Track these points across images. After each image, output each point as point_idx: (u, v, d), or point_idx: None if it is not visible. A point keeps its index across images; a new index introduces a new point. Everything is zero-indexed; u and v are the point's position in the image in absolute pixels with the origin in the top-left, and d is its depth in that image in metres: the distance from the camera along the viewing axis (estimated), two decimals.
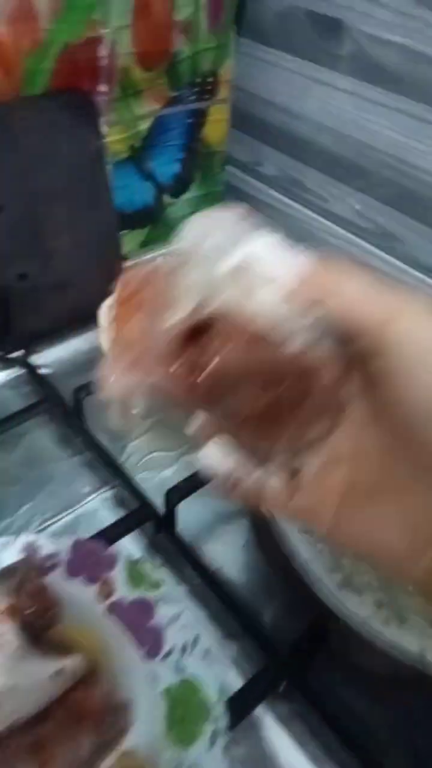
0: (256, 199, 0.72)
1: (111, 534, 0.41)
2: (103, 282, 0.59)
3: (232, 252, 0.18)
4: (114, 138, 0.58)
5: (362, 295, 0.16)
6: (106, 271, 0.62)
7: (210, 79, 0.61)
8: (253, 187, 0.72)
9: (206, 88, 0.62)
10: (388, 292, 0.16)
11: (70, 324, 0.62)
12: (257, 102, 0.64)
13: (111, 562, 0.34)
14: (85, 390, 0.51)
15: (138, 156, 0.61)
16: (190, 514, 0.45)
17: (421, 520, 0.16)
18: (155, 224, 0.69)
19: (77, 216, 0.58)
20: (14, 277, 0.57)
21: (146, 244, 0.70)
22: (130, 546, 0.43)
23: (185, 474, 0.49)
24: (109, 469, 0.48)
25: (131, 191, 0.64)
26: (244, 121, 0.68)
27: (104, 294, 0.55)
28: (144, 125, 0.60)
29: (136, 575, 0.34)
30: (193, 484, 0.43)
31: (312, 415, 0.18)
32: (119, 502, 0.48)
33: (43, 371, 0.59)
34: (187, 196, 0.69)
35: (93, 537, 0.39)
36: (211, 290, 0.18)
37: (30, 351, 0.60)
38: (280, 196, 0.70)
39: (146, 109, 0.58)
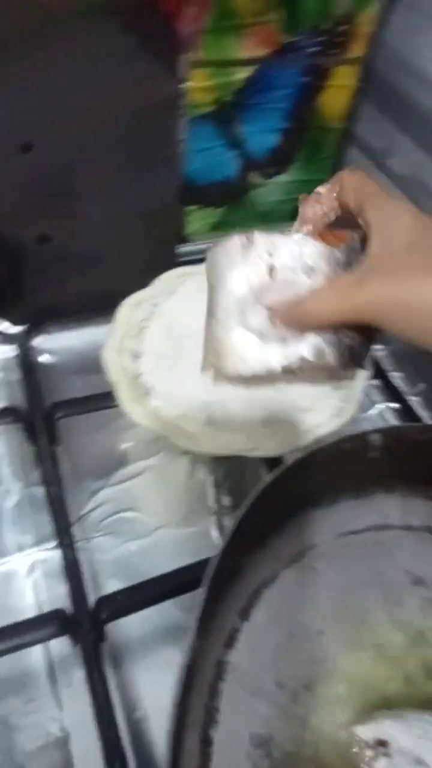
0: None
1: (10, 634, 0.30)
2: (145, 265, 0.48)
3: None
4: (197, 84, 0.45)
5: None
6: (152, 252, 0.52)
7: (343, 28, 0.45)
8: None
9: (335, 39, 0.46)
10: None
11: (91, 308, 0.51)
12: (404, 71, 0.48)
13: None
14: (62, 408, 0.40)
15: (226, 114, 0.48)
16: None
17: None
18: (234, 205, 0.55)
19: (128, 176, 0.46)
20: (33, 238, 0.46)
21: (218, 228, 0.57)
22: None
23: (151, 557, 0.38)
24: (58, 521, 0.37)
25: (209, 158, 0.50)
26: (381, 93, 0.51)
27: (142, 281, 0.44)
28: (240, 74, 0.45)
29: None
30: (138, 597, 0.32)
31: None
32: (49, 574, 0.37)
33: (43, 358, 0.49)
34: (283, 178, 0.55)
35: None
36: None
37: (36, 329, 0.50)
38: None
39: (247, 53, 0.44)
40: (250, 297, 0.26)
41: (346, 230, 0.27)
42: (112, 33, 0.39)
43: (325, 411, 0.39)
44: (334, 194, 0.29)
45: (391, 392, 0.52)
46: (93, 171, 0.45)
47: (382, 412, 0.52)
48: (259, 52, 0.44)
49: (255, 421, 0.38)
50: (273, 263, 0.25)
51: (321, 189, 0.29)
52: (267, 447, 0.37)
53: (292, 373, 0.27)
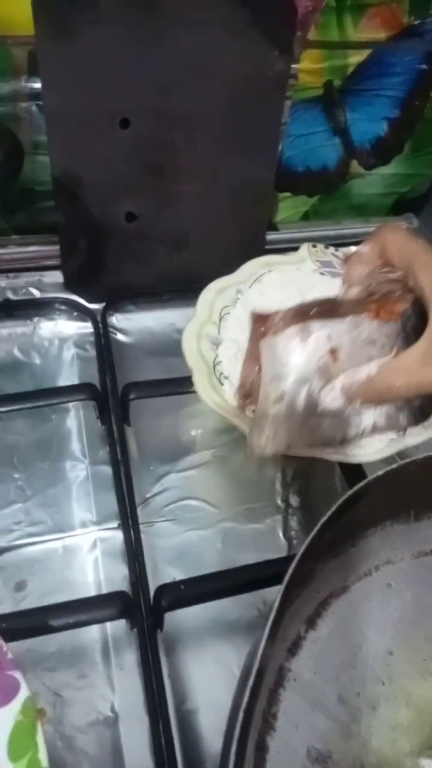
0: None
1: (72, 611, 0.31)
2: (232, 250, 0.48)
3: None
4: (307, 66, 0.44)
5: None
6: (240, 237, 0.51)
7: None
8: None
9: None
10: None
11: (172, 289, 0.51)
12: None
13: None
14: (137, 390, 0.40)
15: (333, 99, 0.46)
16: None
17: None
18: (329, 195, 0.54)
19: (224, 157, 0.46)
20: (121, 215, 0.47)
21: (309, 217, 0.56)
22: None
23: (212, 549, 0.38)
24: (122, 502, 0.38)
25: (311, 144, 0.49)
26: None
27: (226, 266, 0.43)
28: (354, 58, 0.44)
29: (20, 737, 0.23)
30: (201, 589, 0.32)
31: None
32: (110, 553, 0.38)
33: (118, 337, 0.50)
34: (385, 171, 0.53)
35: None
36: None
37: (114, 307, 0.50)
38: None
39: (365, 35, 0.43)
40: (317, 379, 0.28)
41: (398, 302, 0.29)
42: (223, 5, 0.38)
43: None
44: (376, 253, 0.30)
45: None
46: (189, 149, 0.45)
47: None
48: (379, 34, 0.43)
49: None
50: (334, 346, 0.28)
51: (362, 248, 0.31)
52: (348, 453, 0.36)
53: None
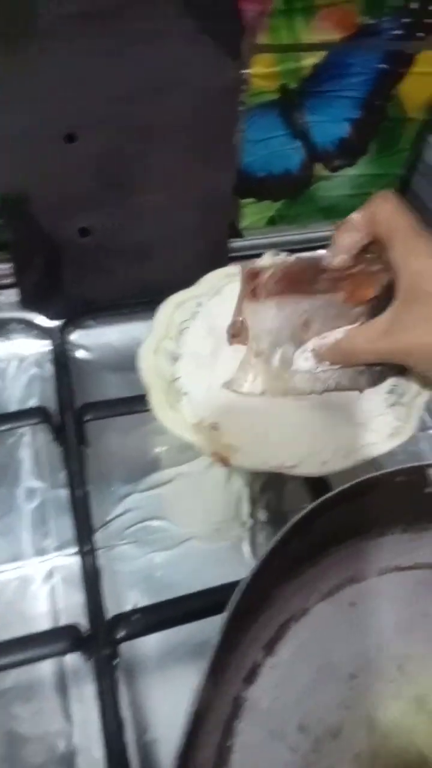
0: None
1: (19, 648, 0.30)
2: (195, 260, 0.47)
3: None
4: (260, 70, 0.43)
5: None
6: (203, 246, 0.51)
7: None
8: None
9: (422, 20, 0.43)
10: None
11: (134, 303, 0.51)
12: None
13: None
14: (93, 410, 0.40)
15: (291, 103, 0.46)
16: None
17: None
18: (294, 199, 0.54)
19: (180, 167, 0.45)
20: (75, 231, 0.46)
21: (274, 222, 0.55)
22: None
23: (176, 570, 0.37)
24: (80, 526, 0.37)
25: (270, 149, 0.49)
26: None
27: (190, 276, 0.43)
28: (309, 60, 0.44)
29: None
30: (156, 618, 0.31)
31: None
32: (68, 581, 0.37)
33: (80, 354, 0.49)
34: (352, 172, 0.53)
35: None
36: None
37: (73, 324, 0.50)
38: None
39: (318, 37, 0.43)
40: (289, 344, 0.33)
41: (370, 286, 0.32)
42: (172, 15, 0.38)
43: (380, 430, 0.37)
44: (366, 221, 0.32)
45: None
46: (143, 161, 0.44)
47: None
48: (332, 35, 0.43)
49: (299, 435, 0.36)
50: (307, 318, 0.32)
51: (355, 216, 0.33)
52: (310, 466, 0.35)
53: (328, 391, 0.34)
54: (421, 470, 0.29)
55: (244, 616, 0.28)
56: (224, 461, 0.35)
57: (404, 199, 0.59)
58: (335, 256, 0.34)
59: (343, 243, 0.33)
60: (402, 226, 0.31)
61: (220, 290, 0.42)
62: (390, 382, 0.37)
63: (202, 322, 0.40)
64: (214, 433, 0.36)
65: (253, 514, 0.42)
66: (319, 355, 0.34)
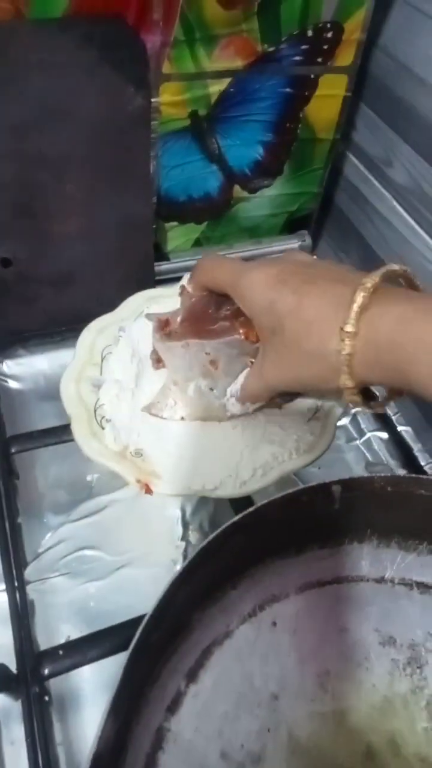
0: (372, 210, 0.54)
1: None
2: (121, 284, 0.47)
3: None
4: (168, 99, 0.44)
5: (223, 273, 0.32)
6: (127, 271, 0.50)
7: (329, 35, 0.44)
8: (373, 191, 0.55)
9: (321, 46, 0.44)
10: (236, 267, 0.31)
11: (62, 330, 0.50)
12: (403, 76, 0.46)
13: None
14: (18, 443, 0.39)
15: (202, 128, 0.46)
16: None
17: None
18: (217, 220, 0.54)
19: (97, 194, 0.45)
20: None
21: (200, 244, 0.55)
22: None
23: (110, 599, 0.37)
24: (8, 562, 0.36)
25: (188, 174, 0.49)
26: (378, 100, 0.50)
27: (117, 300, 0.42)
28: (215, 87, 0.44)
29: None
30: (82, 653, 0.30)
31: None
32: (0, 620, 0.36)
33: (10, 384, 0.48)
34: (270, 192, 0.53)
35: None
36: None
37: (2, 354, 0.49)
38: (405, 215, 0.52)
39: (221, 65, 0.43)
40: (202, 379, 0.35)
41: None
42: (72, 46, 0.38)
43: (296, 446, 0.37)
44: (198, 286, 0.34)
45: (381, 421, 0.50)
46: (57, 190, 0.44)
47: (370, 442, 0.50)
48: (235, 63, 0.43)
49: (219, 458, 0.36)
50: (212, 358, 0.34)
51: (185, 282, 0.35)
52: (230, 487, 0.35)
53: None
54: (325, 488, 0.29)
55: (162, 646, 0.28)
56: (147, 489, 0.35)
57: (329, 216, 0.60)
58: (183, 317, 0.35)
59: (185, 305, 0.35)
60: (225, 278, 0.31)
61: (142, 314, 0.42)
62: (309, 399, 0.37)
63: (125, 347, 0.40)
64: (137, 460, 0.36)
65: (185, 537, 0.42)
66: (240, 398, 0.35)
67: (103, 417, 0.38)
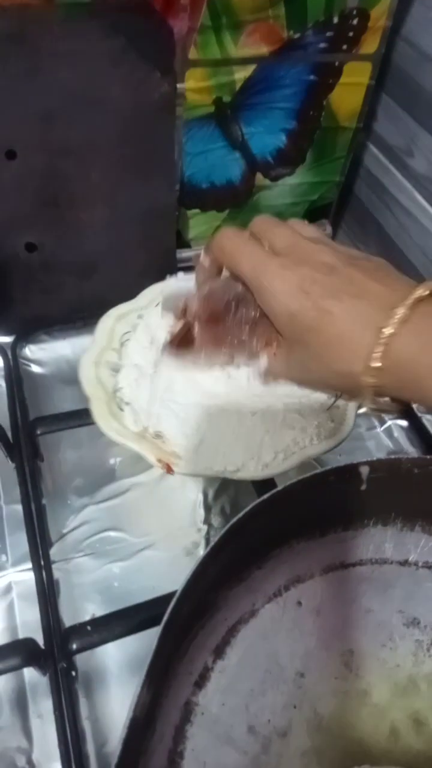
0: (391, 200, 0.54)
1: None
2: (143, 271, 0.47)
3: None
4: (194, 85, 0.44)
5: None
6: (150, 258, 0.51)
7: (354, 21, 0.43)
8: (393, 181, 0.54)
9: (346, 33, 0.44)
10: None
11: (85, 316, 0.50)
12: (425, 65, 0.46)
13: None
14: (43, 424, 0.40)
15: (226, 115, 0.46)
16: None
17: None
18: (239, 208, 0.54)
19: (122, 181, 0.45)
20: (21, 246, 0.46)
21: None
22: None
23: (134, 580, 0.37)
24: (34, 541, 0.37)
25: (211, 161, 0.49)
26: (401, 89, 0.49)
27: (139, 287, 0.43)
28: (240, 74, 0.44)
29: None
30: (109, 629, 0.31)
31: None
32: (25, 596, 0.37)
33: (33, 369, 0.49)
34: (292, 180, 0.53)
35: None
36: None
37: (25, 339, 0.49)
38: (425, 205, 0.51)
39: (247, 51, 0.43)
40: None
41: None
42: (99, 33, 0.38)
43: (317, 432, 0.37)
44: (212, 260, 0.33)
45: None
46: (85, 176, 0.44)
47: (391, 430, 0.50)
48: (260, 50, 0.43)
49: (240, 441, 0.36)
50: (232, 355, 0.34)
51: (202, 257, 0.34)
52: (252, 469, 0.35)
53: None
54: (353, 469, 0.29)
55: (190, 623, 0.28)
56: (168, 469, 0.35)
57: (348, 206, 0.60)
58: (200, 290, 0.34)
59: (199, 279, 0.34)
60: (245, 270, 0.29)
61: (160, 303, 0.42)
62: None
63: (143, 333, 0.40)
64: (157, 441, 0.36)
65: (207, 521, 0.42)
66: (263, 381, 0.35)
67: (122, 400, 0.38)
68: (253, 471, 0.35)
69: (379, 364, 0.25)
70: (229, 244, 0.31)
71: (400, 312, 0.25)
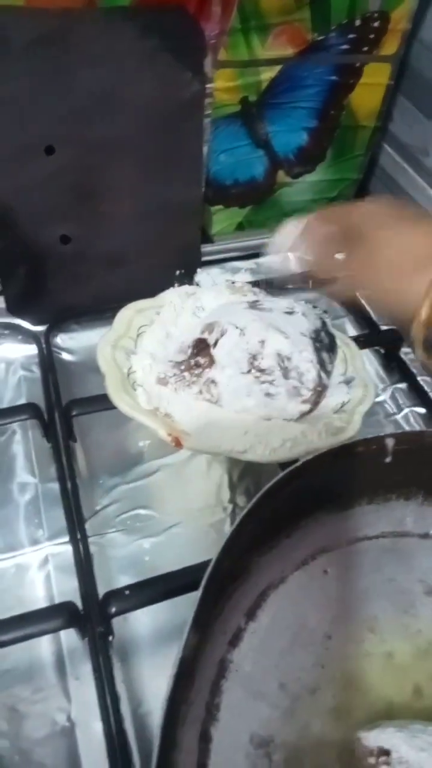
0: (407, 198, 0.56)
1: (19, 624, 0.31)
2: (169, 265, 0.49)
3: None
4: (222, 85, 0.46)
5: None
6: (176, 252, 0.53)
7: (376, 24, 0.45)
8: (409, 181, 0.56)
9: (368, 35, 0.46)
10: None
11: (114, 307, 0.52)
12: None
13: None
14: (78, 406, 0.42)
15: (252, 114, 0.48)
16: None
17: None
18: (260, 205, 0.56)
19: (151, 177, 0.47)
20: (56, 238, 0.48)
21: (243, 228, 0.57)
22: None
23: (163, 554, 0.39)
24: (71, 516, 0.39)
25: (236, 158, 0.51)
26: (418, 90, 0.51)
27: (165, 280, 0.45)
28: (266, 74, 0.46)
29: None
30: (146, 593, 0.33)
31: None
32: (61, 568, 0.39)
33: (64, 356, 0.51)
34: (312, 178, 0.55)
35: None
36: None
37: (57, 328, 0.51)
38: None
39: (273, 53, 0.45)
40: None
41: None
42: (134, 34, 0.40)
43: (323, 428, 0.39)
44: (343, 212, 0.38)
45: (419, 396, 0.52)
46: (116, 172, 0.46)
47: (408, 417, 0.52)
48: (286, 51, 0.45)
49: (248, 427, 0.38)
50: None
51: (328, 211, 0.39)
52: (259, 452, 0.37)
53: None
54: (380, 441, 0.31)
55: (225, 584, 0.30)
56: (177, 443, 0.37)
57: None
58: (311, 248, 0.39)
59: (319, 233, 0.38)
60: (381, 211, 0.36)
61: (176, 306, 0.44)
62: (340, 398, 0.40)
63: (159, 327, 0.42)
64: (167, 419, 0.38)
65: (232, 500, 0.44)
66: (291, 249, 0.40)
67: (134, 381, 0.40)
68: (260, 454, 0.36)
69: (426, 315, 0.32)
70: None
71: None
